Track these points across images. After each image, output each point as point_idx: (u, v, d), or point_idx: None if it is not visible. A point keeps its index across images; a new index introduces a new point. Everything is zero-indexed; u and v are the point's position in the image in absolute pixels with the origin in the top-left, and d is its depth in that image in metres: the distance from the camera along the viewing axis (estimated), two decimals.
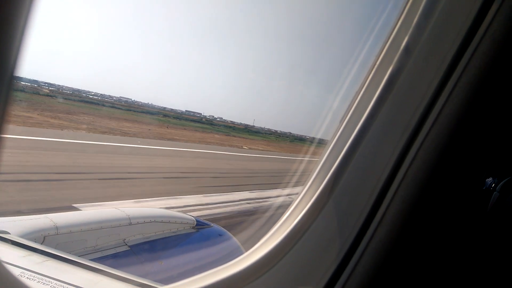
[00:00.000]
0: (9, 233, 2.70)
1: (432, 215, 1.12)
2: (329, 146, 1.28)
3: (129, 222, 4.45)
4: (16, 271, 2.09)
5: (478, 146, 1.11)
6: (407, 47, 1.17)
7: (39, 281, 2.05)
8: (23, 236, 2.95)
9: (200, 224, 5.64)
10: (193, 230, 5.45)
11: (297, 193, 1.34)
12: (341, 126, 1.27)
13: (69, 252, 3.31)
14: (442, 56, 1.14)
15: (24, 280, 1.03)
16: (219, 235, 6.01)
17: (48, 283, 2.05)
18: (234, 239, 6.16)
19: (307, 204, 1.25)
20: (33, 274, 2.10)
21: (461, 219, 1.13)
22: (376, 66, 1.23)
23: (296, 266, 1.22)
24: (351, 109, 1.26)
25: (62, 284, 2.08)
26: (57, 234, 3.49)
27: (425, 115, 1.14)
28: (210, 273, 1.27)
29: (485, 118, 1.10)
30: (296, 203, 1.30)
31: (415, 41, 1.16)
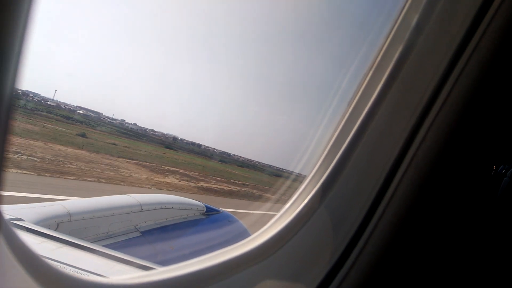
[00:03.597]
0: (23, 220, 2.76)
1: (434, 211, 1.12)
2: (329, 143, 1.27)
3: (140, 209, 4.52)
4: None
5: (487, 131, 1.09)
6: (416, 27, 1.14)
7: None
8: (37, 223, 3.01)
9: (209, 210, 5.71)
10: (202, 216, 5.52)
11: (297, 188, 1.33)
12: (341, 122, 1.25)
13: (82, 239, 3.39)
14: (452, 35, 1.11)
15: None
16: (228, 220, 6.09)
17: (63, 269, 2.10)
18: (242, 224, 6.23)
19: (315, 185, 1.24)
20: (48, 261, 2.15)
21: (470, 206, 1.12)
22: (375, 65, 1.21)
23: (302, 250, 1.21)
24: (350, 106, 1.24)
25: (77, 270, 2.13)
26: (71, 220, 3.56)
27: (433, 100, 1.12)
28: (216, 253, 1.28)
29: (495, 103, 1.08)
30: (304, 186, 1.30)
31: (424, 21, 1.13)
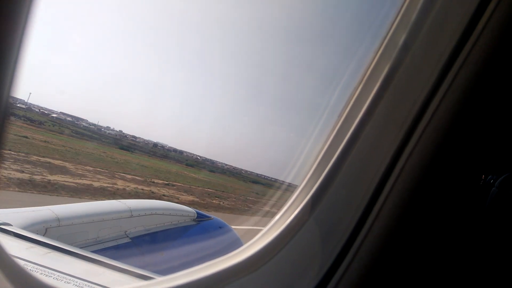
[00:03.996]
0: (11, 225, 2.72)
1: (428, 212, 1.13)
2: (327, 141, 1.29)
3: (130, 214, 4.48)
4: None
5: (476, 142, 1.12)
6: (404, 44, 1.17)
7: (42, 273, 2.07)
8: (25, 228, 2.97)
9: (200, 217, 5.68)
10: (193, 223, 5.49)
11: (294, 189, 1.35)
12: (339, 121, 1.27)
13: (71, 244, 3.34)
14: (439, 52, 1.13)
15: (31, 272, 1.05)
16: (219, 227, 6.06)
17: (50, 275, 2.08)
18: (234, 231, 6.20)
19: (305, 197, 1.26)
20: (36, 266, 2.12)
21: (459, 216, 1.14)
22: (372, 64, 1.23)
23: (291, 261, 1.22)
24: (348, 106, 1.27)
25: (65, 275, 2.10)
26: (59, 226, 3.51)
27: (422, 112, 1.14)
28: (207, 265, 1.28)
29: (483, 115, 1.10)
30: (292, 199, 1.31)
31: (412, 38, 1.16)
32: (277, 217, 1.32)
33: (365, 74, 1.25)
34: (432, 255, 1.15)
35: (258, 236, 1.32)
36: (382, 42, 1.22)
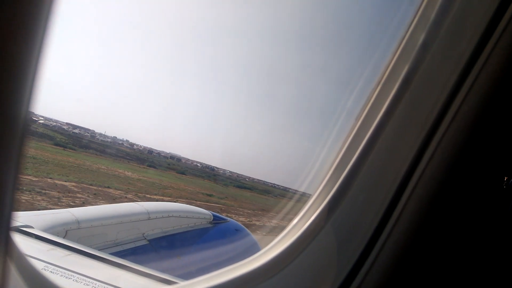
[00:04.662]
0: (33, 227, 2.78)
1: (450, 217, 1.09)
2: (344, 144, 1.26)
3: (148, 217, 4.53)
4: (40, 265, 2.16)
5: (498, 143, 1.07)
6: (423, 44, 1.13)
7: (62, 275, 2.10)
8: (46, 230, 3.03)
9: (216, 219, 5.69)
10: (210, 225, 5.51)
11: (302, 206, 1.32)
12: (356, 124, 1.24)
13: (90, 246, 3.40)
14: (460, 52, 1.09)
15: (47, 274, 1.06)
16: (236, 230, 6.06)
17: (70, 277, 2.11)
18: (250, 234, 6.19)
19: (323, 201, 1.23)
20: (56, 268, 2.16)
21: (481, 219, 1.09)
22: (390, 66, 1.19)
23: (311, 265, 1.20)
24: (365, 108, 1.23)
25: (84, 278, 2.13)
26: (79, 228, 3.58)
27: (443, 114, 1.10)
28: (225, 270, 1.27)
29: (506, 115, 1.06)
30: (312, 200, 1.28)
31: (431, 38, 1.12)
32: (294, 222, 1.30)
33: (382, 76, 1.21)
34: (454, 260, 1.10)
35: (275, 241, 1.29)
36: (400, 43, 1.19)
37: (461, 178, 1.08)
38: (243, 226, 6.30)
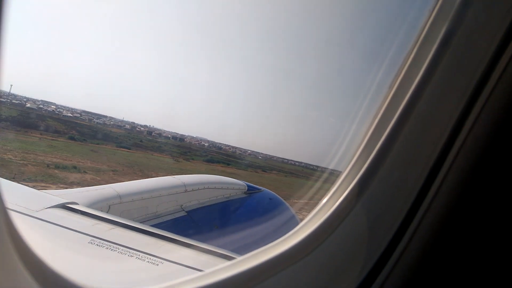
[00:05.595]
0: (77, 204, 2.94)
1: (478, 214, 1.01)
2: (365, 137, 1.18)
3: (185, 189, 4.67)
4: (86, 239, 2.29)
5: None
6: (444, 38, 1.01)
7: (107, 248, 2.22)
8: (90, 206, 3.20)
9: (251, 189, 5.78)
10: (244, 195, 5.61)
11: (331, 186, 1.26)
12: (378, 115, 1.14)
13: (133, 219, 3.57)
14: (486, 45, 1.00)
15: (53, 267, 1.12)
16: (270, 198, 6.14)
17: (115, 249, 2.23)
18: (284, 202, 6.26)
19: (349, 184, 1.17)
20: (102, 241, 2.28)
21: (509, 218, 1.01)
22: (411, 58, 1.08)
23: (333, 257, 1.16)
24: (386, 101, 1.13)
25: (128, 249, 2.24)
26: (121, 203, 3.75)
27: (468, 108, 1.01)
28: (256, 253, 1.26)
29: None
30: (338, 184, 1.21)
31: (453, 31, 1.02)
32: (322, 202, 1.25)
33: (412, 51, 1.11)
34: (487, 248, 1.02)
35: (303, 222, 1.26)
36: (420, 35, 1.08)
37: (496, 158, 1.00)
38: (277, 195, 6.37)
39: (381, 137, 1.12)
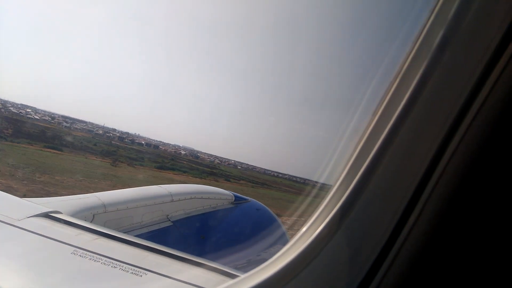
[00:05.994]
0: (61, 213, 2.89)
1: (472, 217, 1.02)
2: (360, 142, 1.20)
3: (171, 199, 4.62)
4: (69, 250, 2.24)
5: None
6: (443, 39, 1.04)
7: (90, 259, 2.18)
8: (74, 215, 3.14)
9: (238, 199, 5.76)
10: (232, 205, 5.58)
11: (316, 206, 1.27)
12: (374, 119, 1.17)
13: (117, 229, 3.51)
14: (484, 46, 1.01)
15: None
16: (257, 209, 6.12)
17: (98, 260, 2.19)
18: (271, 212, 6.25)
19: (336, 203, 1.18)
20: (85, 252, 2.24)
21: (503, 222, 1.03)
22: (403, 70, 1.11)
23: (328, 268, 1.17)
24: (384, 101, 1.14)
25: (112, 261, 2.21)
26: (105, 212, 3.69)
27: (466, 109, 1.02)
28: (241, 278, 1.26)
29: None
30: (326, 201, 1.23)
31: (452, 32, 1.05)
32: (306, 226, 1.25)
33: (401, 69, 1.13)
34: (473, 266, 1.04)
35: (289, 245, 1.26)
36: (420, 34, 1.11)
37: (484, 179, 1.01)
38: (264, 205, 6.35)
39: (367, 156, 1.14)
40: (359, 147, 1.18)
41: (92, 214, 3.53)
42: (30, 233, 2.38)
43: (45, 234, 2.39)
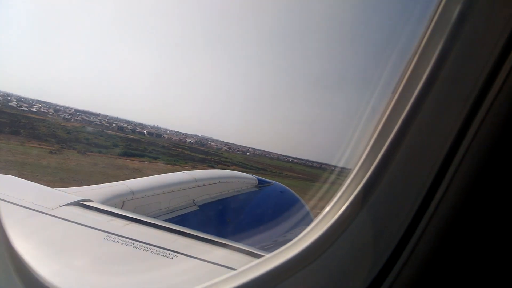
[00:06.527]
0: (92, 201, 3.00)
1: (488, 212, 0.99)
2: (372, 137, 1.16)
3: (196, 184, 4.71)
4: (101, 236, 2.34)
5: None
6: (452, 32, 1.00)
7: (123, 243, 2.27)
8: (104, 202, 3.26)
9: (261, 183, 5.81)
10: (255, 189, 5.64)
11: (337, 189, 1.25)
12: (385, 114, 1.12)
13: (146, 214, 3.62)
14: (494, 40, 0.97)
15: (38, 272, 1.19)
16: (280, 191, 6.16)
17: (130, 244, 2.27)
18: (295, 194, 6.27)
19: (355, 189, 1.16)
20: (117, 237, 2.33)
21: None
22: (418, 53, 1.06)
23: (339, 262, 1.16)
24: (393, 98, 1.12)
25: (143, 244, 2.29)
26: (134, 198, 3.81)
27: (478, 104, 0.99)
28: (262, 260, 1.27)
29: None
30: (343, 188, 1.22)
31: (462, 28, 1.00)
32: (328, 207, 1.24)
33: (418, 48, 1.09)
34: (495, 252, 0.99)
35: (310, 227, 1.25)
36: (426, 32, 1.06)
37: (499, 173, 0.97)
38: (287, 188, 6.38)
39: (387, 138, 1.11)
40: (379, 128, 1.15)
41: (122, 201, 3.65)
42: (64, 221, 2.49)
43: (78, 222, 2.50)
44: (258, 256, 2.26)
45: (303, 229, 1.28)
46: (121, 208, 3.54)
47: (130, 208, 3.67)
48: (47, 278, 1.24)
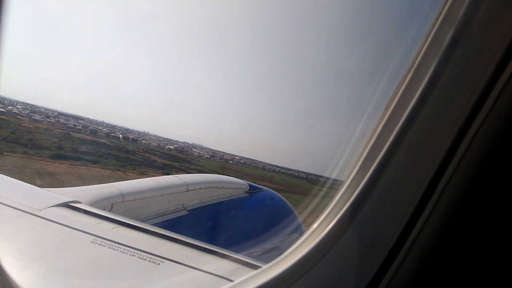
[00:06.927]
0: (80, 203, 2.97)
1: (483, 216, 1.00)
2: (370, 140, 1.18)
3: (187, 189, 4.69)
4: (88, 238, 2.31)
5: None
6: (454, 35, 1.01)
7: (109, 247, 2.25)
8: (93, 204, 3.23)
9: (252, 188, 5.79)
10: (246, 194, 5.62)
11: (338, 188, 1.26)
12: (384, 117, 1.14)
13: (135, 218, 3.59)
14: (496, 44, 0.98)
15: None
16: (271, 198, 6.15)
17: (117, 248, 2.25)
18: (285, 201, 6.27)
19: (346, 202, 1.18)
20: (104, 241, 2.31)
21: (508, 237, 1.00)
22: (415, 66, 1.09)
23: (339, 264, 1.18)
24: (393, 102, 1.13)
25: (130, 249, 2.27)
26: (123, 201, 3.78)
27: (479, 105, 1.00)
28: (250, 276, 1.27)
29: None
30: (337, 198, 1.23)
31: (462, 31, 1.01)
32: (319, 220, 1.24)
33: (413, 66, 1.10)
34: (487, 263, 1.02)
35: (301, 240, 1.26)
36: (429, 34, 1.07)
37: (496, 176, 0.99)
38: (278, 194, 6.38)
39: (378, 153, 1.13)
40: (370, 144, 1.17)
41: (111, 203, 3.62)
42: (51, 222, 2.46)
43: (66, 224, 2.47)
44: (246, 264, 2.26)
45: (293, 236, 1.29)
46: (109, 211, 3.51)
47: (119, 211, 3.63)
48: (26, 284, 1.22)
